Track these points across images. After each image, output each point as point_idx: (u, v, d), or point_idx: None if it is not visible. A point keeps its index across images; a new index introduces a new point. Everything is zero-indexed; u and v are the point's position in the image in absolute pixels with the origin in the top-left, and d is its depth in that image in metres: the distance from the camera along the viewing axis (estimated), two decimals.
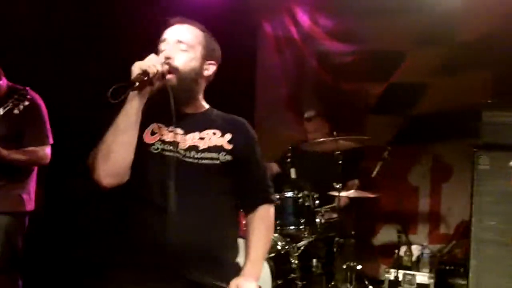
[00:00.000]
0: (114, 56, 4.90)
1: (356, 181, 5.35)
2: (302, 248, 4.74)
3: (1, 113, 3.83)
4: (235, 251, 2.52)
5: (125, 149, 2.27)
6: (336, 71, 6.18)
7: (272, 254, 4.45)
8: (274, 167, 5.44)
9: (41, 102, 4.16)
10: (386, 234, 5.98)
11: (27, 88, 3.93)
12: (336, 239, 4.85)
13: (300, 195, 4.81)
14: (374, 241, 6.05)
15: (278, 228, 4.74)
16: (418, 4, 5.70)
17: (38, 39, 5.28)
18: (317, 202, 4.89)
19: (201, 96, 2.51)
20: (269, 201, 2.60)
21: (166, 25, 2.49)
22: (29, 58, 5.12)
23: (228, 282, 2.36)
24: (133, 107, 2.27)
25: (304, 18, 6.21)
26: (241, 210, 2.61)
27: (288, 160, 5.07)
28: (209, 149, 2.38)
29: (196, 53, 2.43)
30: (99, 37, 5.49)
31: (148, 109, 2.37)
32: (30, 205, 4.17)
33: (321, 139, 5.08)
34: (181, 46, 2.40)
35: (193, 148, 2.38)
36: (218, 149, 2.40)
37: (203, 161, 2.36)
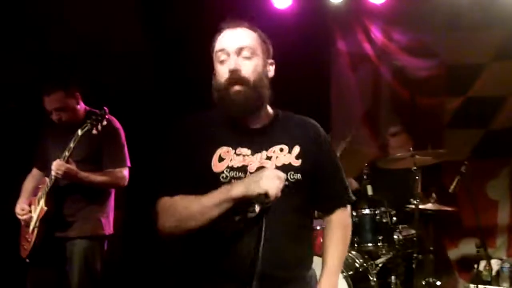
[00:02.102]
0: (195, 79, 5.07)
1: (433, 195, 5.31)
2: (380, 265, 4.75)
3: (80, 134, 3.87)
4: (310, 267, 2.48)
5: (196, 226, 2.23)
6: (412, 86, 6.15)
7: (351, 272, 4.47)
8: (354, 184, 5.47)
9: (118, 125, 4.20)
10: (464, 249, 5.90)
11: (105, 108, 3.95)
12: (415, 255, 4.81)
13: (377, 212, 4.82)
14: (452, 256, 5.98)
15: (356, 245, 4.78)
16: (498, 18, 5.65)
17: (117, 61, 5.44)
18: (394, 218, 4.89)
19: (267, 103, 2.43)
20: (345, 203, 2.55)
21: (219, 30, 2.40)
22: (108, 83, 5.27)
23: None
24: (227, 204, 2.19)
25: (378, 34, 6.22)
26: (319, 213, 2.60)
27: (365, 177, 5.10)
28: (278, 170, 2.27)
29: (259, 58, 2.35)
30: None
31: (214, 131, 2.35)
32: (108, 229, 4.20)
33: (398, 155, 5.09)
34: (244, 53, 2.32)
35: (261, 169, 2.28)
36: (286, 168, 2.31)
37: None
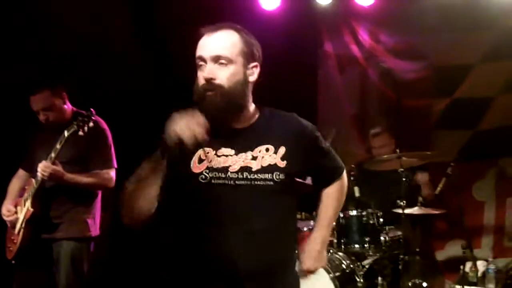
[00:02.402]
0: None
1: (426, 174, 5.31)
2: (367, 266, 4.78)
3: (66, 135, 3.85)
4: (294, 266, 2.51)
5: (145, 201, 2.24)
6: (399, 88, 6.16)
7: (337, 273, 4.51)
8: None
9: (105, 126, 4.19)
10: (451, 250, 5.92)
11: (92, 109, 3.93)
12: (401, 256, 4.85)
13: (364, 213, 4.86)
14: (439, 258, 6.01)
15: (342, 246, 4.82)
16: (486, 20, 5.67)
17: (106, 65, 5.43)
18: (381, 220, 4.91)
19: (250, 104, 2.41)
20: (338, 176, 2.62)
21: (199, 35, 2.36)
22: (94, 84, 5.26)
23: None
24: (157, 164, 2.22)
25: (365, 36, 6.24)
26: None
27: (352, 178, 5.12)
28: (263, 170, 2.32)
29: (237, 65, 2.31)
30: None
31: None
32: (95, 230, 4.20)
33: (385, 156, 5.11)
34: (220, 61, 2.29)
35: (246, 169, 2.31)
36: (271, 168, 2.33)
37: (257, 182, 2.31)
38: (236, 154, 2.34)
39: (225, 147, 2.34)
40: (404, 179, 4.93)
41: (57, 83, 4.20)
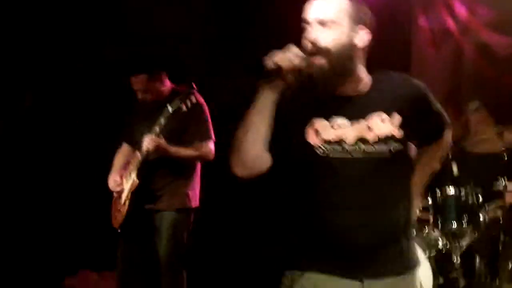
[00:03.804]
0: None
1: None
2: (464, 246, 4.64)
3: (171, 110, 4.04)
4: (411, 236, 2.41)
5: (251, 144, 2.19)
6: (497, 64, 5.92)
7: (433, 253, 4.43)
8: None
9: (203, 101, 4.31)
10: None
11: (193, 84, 4.10)
12: (501, 237, 4.69)
13: (462, 192, 4.70)
14: None
15: (439, 225, 4.67)
16: None
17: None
18: (480, 199, 4.73)
19: (361, 71, 2.30)
20: (444, 131, 2.49)
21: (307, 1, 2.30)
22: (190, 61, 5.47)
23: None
24: (261, 102, 2.18)
25: (461, 9, 6.03)
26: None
27: (450, 156, 4.96)
28: (379, 142, 2.23)
29: (343, 27, 2.22)
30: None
31: (305, 101, 2.29)
32: (195, 202, 4.35)
33: (484, 136, 4.92)
34: (325, 23, 2.22)
35: (362, 140, 2.23)
36: (388, 139, 2.23)
37: (374, 156, 2.22)
38: (351, 124, 2.25)
39: (338, 116, 2.25)
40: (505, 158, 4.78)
41: (155, 67, 4.34)
